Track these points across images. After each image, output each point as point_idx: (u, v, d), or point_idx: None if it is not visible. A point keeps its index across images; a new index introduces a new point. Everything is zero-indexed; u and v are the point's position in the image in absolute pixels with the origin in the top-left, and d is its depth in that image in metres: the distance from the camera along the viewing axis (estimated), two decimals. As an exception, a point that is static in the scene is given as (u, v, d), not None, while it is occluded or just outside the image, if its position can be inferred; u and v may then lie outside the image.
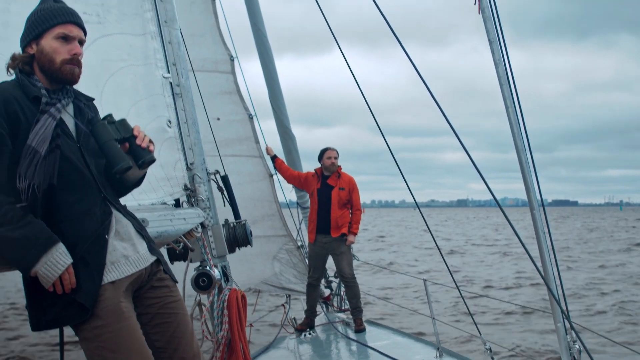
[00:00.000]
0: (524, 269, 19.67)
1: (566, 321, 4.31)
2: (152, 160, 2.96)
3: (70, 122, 2.86)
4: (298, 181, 8.57)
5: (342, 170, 8.31)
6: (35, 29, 2.83)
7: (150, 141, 2.98)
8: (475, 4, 4.29)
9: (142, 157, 2.90)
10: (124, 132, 2.87)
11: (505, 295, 14.32)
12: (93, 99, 3.14)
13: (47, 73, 2.80)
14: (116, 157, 2.78)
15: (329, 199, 8.09)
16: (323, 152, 8.27)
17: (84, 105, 2.99)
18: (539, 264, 4.25)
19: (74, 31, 2.84)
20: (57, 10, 2.85)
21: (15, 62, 2.83)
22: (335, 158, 8.21)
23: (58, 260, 2.59)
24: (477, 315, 11.46)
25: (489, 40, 4.33)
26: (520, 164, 4.37)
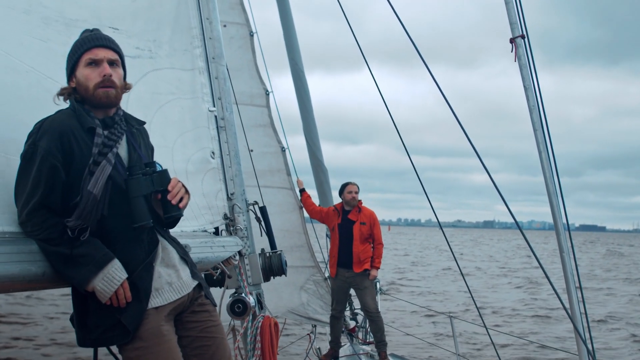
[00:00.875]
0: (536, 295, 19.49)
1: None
2: (179, 217, 3.02)
3: (122, 150, 2.95)
4: (320, 216, 8.68)
5: (363, 205, 8.42)
6: (69, 62, 2.94)
7: (187, 191, 3.02)
8: (512, 51, 4.43)
9: (169, 213, 2.94)
10: (159, 185, 2.90)
11: (526, 327, 14.21)
12: (144, 123, 3.22)
13: (88, 102, 2.88)
14: (138, 214, 2.82)
15: (350, 234, 8.16)
16: (344, 186, 8.38)
17: (136, 130, 3.10)
18: (564, 297, 4.30)
19: (100, 53, 2.87)
20: (84, 39, 2.93)
21: (63, 92, 2.92)
22: (356, 193, 8.31)
23: (114, 276, 2.72)
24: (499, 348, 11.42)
25: (524, 86, 4.43)
26: (547, 191, 4.42)
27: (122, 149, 2.95)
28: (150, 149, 3.26)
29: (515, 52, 4.41)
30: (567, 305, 4.34)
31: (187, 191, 3.06)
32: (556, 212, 4.40)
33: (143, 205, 2.84)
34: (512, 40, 4.49)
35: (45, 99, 3.15)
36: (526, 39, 4.47)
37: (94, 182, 2.73)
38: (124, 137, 2.98)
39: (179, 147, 4.04)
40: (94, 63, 2.87)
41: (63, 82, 3.20)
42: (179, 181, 3.01)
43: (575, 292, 4.38)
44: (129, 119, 3.08)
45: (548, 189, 4.48)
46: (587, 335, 4.46)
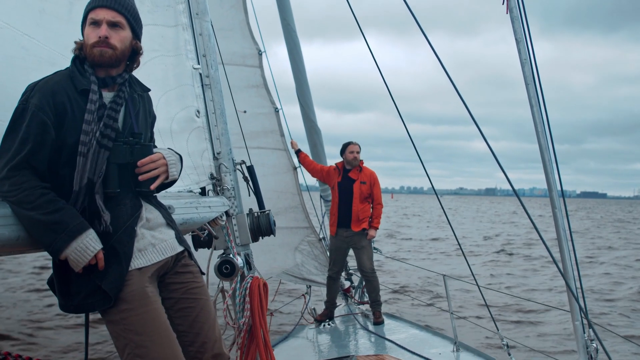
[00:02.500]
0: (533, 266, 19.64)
1: (584, 319, 4.34)
2: (147, 193, 3.00)
3: (119, 116, 2.92)
4: (321, 174, 8.65)
5: (365, 165, 8.38)
6: (82, 19, 2.93)
7: (169, 170, 3.00)
8: (503, 3, 4.33)
9: (139, 187, 2.93)
10: (139, 157, 2.89)
11: (523, 293, 14.29)
12: (149, 90, 3.21)
13: (88, 60, 2.86)
14: (109, 180, 2.81)
15: (350, 193, 8.16)
16: (345, 146, 8.34)
17: (138, 95, 3.08)
18: (558, 262, 4.28)
19: (100, 14, 2.85)
20: None
21: (75, 49, 2.90)
22: (358, 152, 8.28)
23: (87, 246, 2.67)
24: (495, 311, 11.51)
25: (515, 39, 4.36)
26: (543, 162, 4.39)
27: (119, 115, 2.93)
28: (152, 117, 3.25)
29: (507, 4, 4.31)
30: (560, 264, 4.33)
31: (179, 163, 3.08)
32: (548, 168, 4.36)
33: (115, 173, 2.82)
34: (503, -9, 4.39)
35: (21, 57, 3.08)
36: (523, 10, 4.37)
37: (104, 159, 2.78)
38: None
39: (163, 106, 3.95)
40: (95, 23, 2.86)
41: (40, 39, 3.16)
42: (163, 159, 2.97)
43: (568, 249, 4.36)
44: (133, 84, 3.08)
45: (545, 164, 4.43)
46: (580, 294, 4.44)
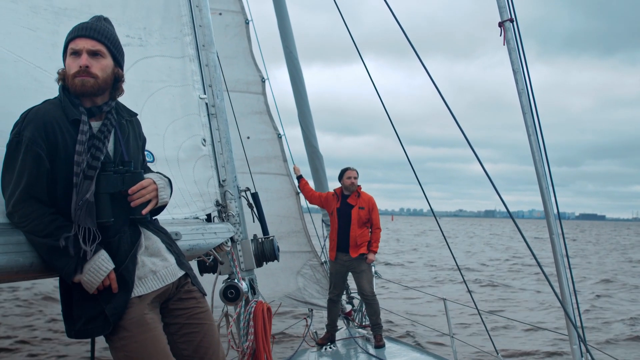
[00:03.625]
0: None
1: (582, 344, 4.40)
2: (141, 220, 3.00)
3: (109, 144, 2.95)
4: (319, 201, 8.71)
5: (363, 190, 8.46)
6: (63, 49, 2.97)
7: (159, 194, 3.00)
8: (500, 35, 4.45)
9: (133, 214, 2.94)
10: (129, 185, 2.88)
11: (520, 315, 14.32)
12: (136, 114, 3.22)
13: (71, 90, 2.87)
14: (100, 210, 2.81)
15: (348, 218, 8.21)
16: (343, 172, 8.41)
17: (126, 121, 3.09)
18: (556, 285, 4.35)
19: (80, 44, 2.86)
20: (72, 29, 2.94)
21: (58, 79, 2.93)
22: (355, 178, 8.35)
23: (100, 266, 2.75)
24: (494, 332, 11.53)
25: (513, 70, 4.46)
26: (540, 189, 4.46)
27: (109, 143, 2.96)
28: (142, 140, 3.25)
29: (504, 36, 4.43)
30: (558, 290, 4.39)
31: (169, 186, 3.09)
32: (545, 196, 4.43)
33: (107, 202, 2.83)
34: (500, 24, 4.51)
35: (34, 89, 3.17)
36: (515, 23, 4.49)
37: (88, 189, 2.77)
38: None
39: (170, 135, 4.06)
40: (75, 53, 2.88)
41: (52, 72, 3.23)
42: (153, 184, 2.98)
43: (566, 276, 4.43)
44: (120, 110, 3.08)
45: (537, 172, 4.51)
46: (578, 320, 4.51)
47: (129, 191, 2.88)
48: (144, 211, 2.93)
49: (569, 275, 4.45)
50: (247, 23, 8.56)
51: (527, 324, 11.04)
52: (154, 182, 2.99)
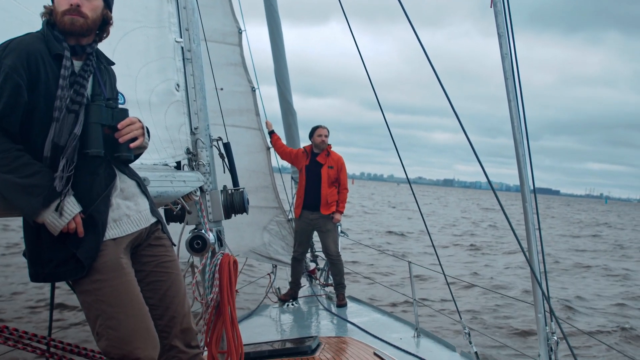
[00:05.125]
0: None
1: (547, 311, 4.42)
2: (127, 159, 2.95)
3: (88, 82, 2.88)
4: (289, 157, 8.69)
5: (332, 149, 8.42)
6: None
7: (145, 133, 2.96)
8: (487, -4, 4.36)
9: (118, 152, 2.87)
10: (118, 121, 2.84)
11: (488, 283, 14.50)
12: (113, 63, 3.15)
13: (57, 27, 2.81)
14: (92, 140, 2.75)
15: (318, 176, 8.22)
16: (314, 129, 8.38)
17: (104, 67, 3.03)
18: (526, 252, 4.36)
19: None
20: None
21: (45, 11, 2.84)
22: (326, 136, 8.33)
23: (66, 209, 2.66)
24: (460, 298, 11.68)
25: (498, 33, 4.40)
26: (517, 157, 4.43)
27: (88, 83, 2.88)
28: (116, 92, 3.17)
29: (492, -2, 4.35)
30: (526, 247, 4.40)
31: (146, 132, 3.00)
32: (521, 162, 4.41)
33: (99, 133, 2.77)
34: (489, -15, 4.42)
35: (2, 19, 3.04)
36: (507, 4, 4.40)
37: (75, 123, 2.71)
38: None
39: (143, 77, 3.93)
40: None
41: (23, 2, 3.10)
42: (139, 122, 2.93)
43: (534, 235, 4.44)
44: (99, 56, 3.02)
45: (518, 158, 4.47)
46: (544, 280, 4.52)
47: (119, 125, 2.83)
48: (132, 145, 2.87)
49: (538, 240, 4.46)
50: (227, -29, 8.34)
51: (493, 291, 11.17)
52: (139, 121, 2.94)
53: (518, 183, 4.51)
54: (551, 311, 4.30)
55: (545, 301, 4.34)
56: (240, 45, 8.31)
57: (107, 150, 2.85)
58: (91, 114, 2.76)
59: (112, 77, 3.13)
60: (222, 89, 7.43)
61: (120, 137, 2.84)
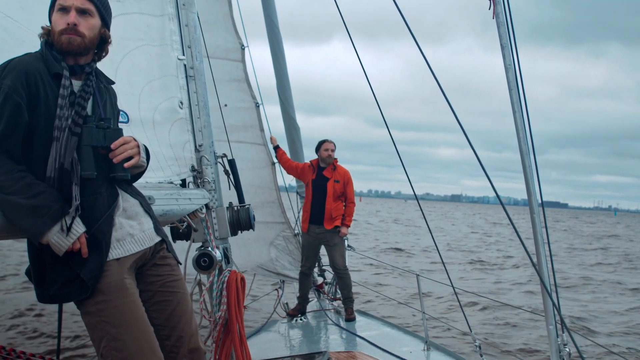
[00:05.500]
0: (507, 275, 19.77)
1: (559, 323, 4.39)
2: (123, 178, 2.92)
3: (88, 105, 2.87)
4: (295, 172, 8.70)
5: (338, 163, 8.41)
6: (50, 4, 2.88)
7: (142, 152, 2.94)
8: (489, 8, 4.36)
9: (114, 172, 2.86)
10: (110, 141, 2.82)
11: (498, 297, 14.41)
12: (113, 82, 3.15)
13: (55, 47, 2.82)
14: (84, 163, 2.74)
15: (324, 191, 8.22)
16: (320, 143, 8.40)
17: (104, 87, 3.02)
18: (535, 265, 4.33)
19: (69, 0, 2.81)
20: None
21: (43, 32, 2.86)
22: (332, 150, 8.34)
23: (71, 229, 2.64)
24: (469, 312, 11.58)
25: (501, 44, 4.39)
26: (523, 168, 4.42)
27: (87, 103, 2.88)
28: (117, 111, 3.18)
29: (494, 10, 4.34)
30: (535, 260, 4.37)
31: (143, 151, 2.98)
32: (528, 173, 4.39)
33: (90, 155, 2.76)
34: (490, -3, 4.42)
35: (2, 39, 3.05)
36: (509, 16, 4.40)
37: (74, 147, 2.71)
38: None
39: (146, 96, 3.93)
40: (64, 9, 2.82)
41: (24, 22, 3.13)
42: (134, 141, 2.91)
43: (543, 246, 4.41)
44: (99, 75, 3.02)
45: (525, 170, 4.45)
46: (554, 292, 4.49)
47: (112, 146, 2.81)
48: (127, 165, 2.84)
49: (547, 252, 4.43)
50: (229, -12, 8.37)
51: (503, 303, 11.10)
52: (134, 139, 2.92)
53: (525, 197, 4.49)
54: (562, 322, 4.26)
55: (556, 312, 4.31)
56: (243, 61, 8.34)
57: (104, 170, 2.84)
58: (82, 136, 2.75)
59: (113, 96, 3.12)
60: (225, 105, 7.44)
61: (114, 157, 2.82)
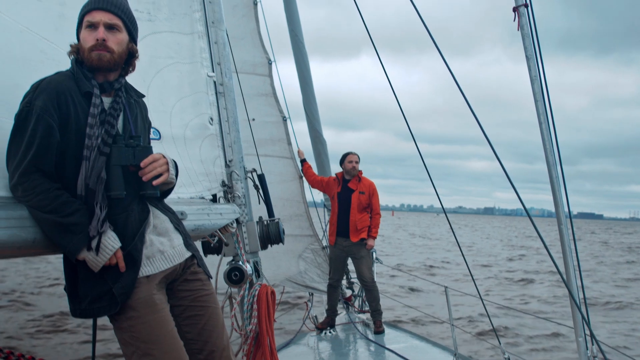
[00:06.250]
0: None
1: (588, 335, 4.36)
2: (152, 196, 2.94)
3: (119, 121, 2.89)
4: (320, 185, 8.73)
5: (363, 175, 8.44)
6: (78, 22, 2.91)
7: (171, 169, 2.95)
8: (514, 20, 4.38)
9: (144, 189, 2.89)
10: (140, 159, 2.84)
11: (526, 308, 14.28)
12: (144, 96, 3.18)
13: (85, 64, 2.83)
14: (113, 183, 2.76)
15: (349, 203, 8.22)
16: (345, 156, 8.41)
17: (134, 101, 3.05)
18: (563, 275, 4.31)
19: (97, 16, 2.82)
20: (88, 1, 2.89)
21: (71, 50, 2.87)
22: (357, 162, 8.35)
23: (106, 245, 2.68)
24: (497, 324, 11.47)
25: (526, 56, 4.40)
26: (550, 179, 4.42)
27: (118, 120, 2.90)
28: (148, 123, 3.20)
29: (519, 22, 4.36)
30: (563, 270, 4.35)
31: (172, 167, 2.99)
32: (559, 204, 4.38)
33: (119, 175, 2.78)
34: (515, 9, 4.44)
35: (39, 60, 3.10)
36: (529, 8, 4.41)
37: (102, 166, 2.73)
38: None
39: (177, 112, 4.00)
40: (92, 26, 2.82)
41: (59, 43, 3.16)
42: (164, 157, 2.93)
43: (571, 257, 4.40)
44: (129, 89, 3.04)
45: (552, 180, 4.44)
46: (584, 305, 4.46)
47: (141, 164, 2.82)
48: (156, 182, 2.86)
49: (575, 262, 4.41)
50: (255, 4, 8.48)
51: (531, 314, 10.99)
52: (164, 156, 2.94)
53: (569, 211, 4.48)
54: (592, 334, 4.24)
55: (585, 324, 4.28)
56: (270, 75, 8.43)
57: (134, 187, 2.87)
58: (112, 156, 2.77)
59: (143, 109, 3.15)
60: (253, 120, 7.52)
61: (143, 175, 2.84)
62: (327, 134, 9.24)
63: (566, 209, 4.46)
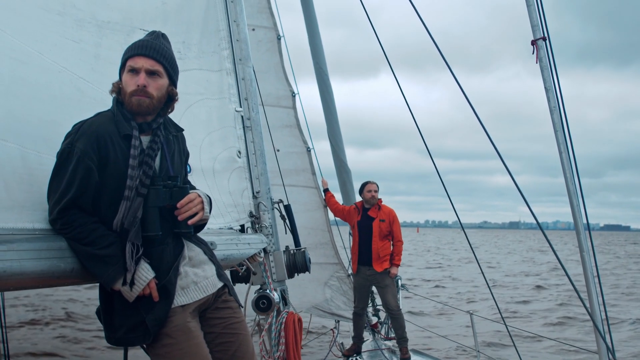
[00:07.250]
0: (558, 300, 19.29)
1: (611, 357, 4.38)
2: (187, 234, 3.04)
3: (156, 159, 2.99)
4: (342, 214, 8.82)
5: (383, 203, 8.52)
6: (121, 63, 3.01)
7: (205, 207, 3.03)
8: (533, 53, 4.48)
9: (178, 228, 2.98)
10: (177, 200, 2.91)
11: (547, 330, 14.13)
12: (182, 130, 3.26)
13: (125, 106, 2.92)
14: (150, 223, 2.87)
15: (370, 231, 8.27)
16: (364, 185, 8.49)
17: (173, 136, 3.14)
18: (585, 300, 4.34)
19: (139, 62, 2.89)
20: (131, 45, 2.98)
21: (113, 88, 2.97)
22: (376, 191, 8.42)
23: (141, 276, 2.79)
24: (520, 348, 11.37)
25: (545, 88, 4.48)
26: (567, 190, 4.46)
27: (156, 159, 2.99)
28: (186, 155, 3.30)
29: (537, 54, 4.46)
30: (587, 303, 4.38)
31: (207, 204, 3.08)
32: (576, 212, 4.44)
33: (156, 216, 2.88)
34: (533, 42, 4.54)
35: (77, 99, 3.24)
36: (547, 41, 4.52)
37: (139, 207, 2.83)
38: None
39: (207, 146, 4.13)
40: (134, 71, 2.91)
41: (95, 83, 3.29)
42: (198, 197, 3.01)
43: (595, 289, 4.42)
44: (168, 125, 3.13)
45: (568, 188, 4.51)
46: (607, 332, 4.48)
47: (178, 205, 2.92)
48: (191, 222, 2.96)
49: (598, 290, 4.44)
50: (279, 39, 8.70)
51: (555, 340, 10.91)
52: (199, 195, 3.03)
53: (585, 222, 4.49)
54: (613, 353, 4.26)
55: (610, 353, 4.30)
56: (294, 107, 8.60)
57: (169, 224, 2.97)
58: (149, 198, 2.87)
59: (182, 143, 3.24)
60: (278, 150, 7.67)
61: (179, 214, 2.93)
62: (349, 152, 9.32)
63: (584, 218, 4.47)
